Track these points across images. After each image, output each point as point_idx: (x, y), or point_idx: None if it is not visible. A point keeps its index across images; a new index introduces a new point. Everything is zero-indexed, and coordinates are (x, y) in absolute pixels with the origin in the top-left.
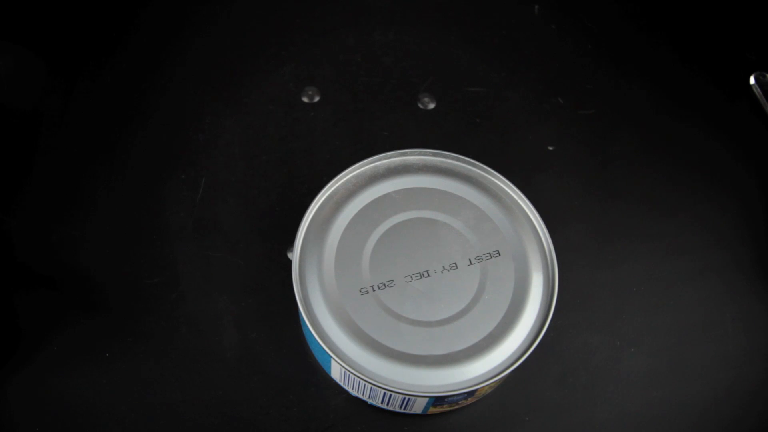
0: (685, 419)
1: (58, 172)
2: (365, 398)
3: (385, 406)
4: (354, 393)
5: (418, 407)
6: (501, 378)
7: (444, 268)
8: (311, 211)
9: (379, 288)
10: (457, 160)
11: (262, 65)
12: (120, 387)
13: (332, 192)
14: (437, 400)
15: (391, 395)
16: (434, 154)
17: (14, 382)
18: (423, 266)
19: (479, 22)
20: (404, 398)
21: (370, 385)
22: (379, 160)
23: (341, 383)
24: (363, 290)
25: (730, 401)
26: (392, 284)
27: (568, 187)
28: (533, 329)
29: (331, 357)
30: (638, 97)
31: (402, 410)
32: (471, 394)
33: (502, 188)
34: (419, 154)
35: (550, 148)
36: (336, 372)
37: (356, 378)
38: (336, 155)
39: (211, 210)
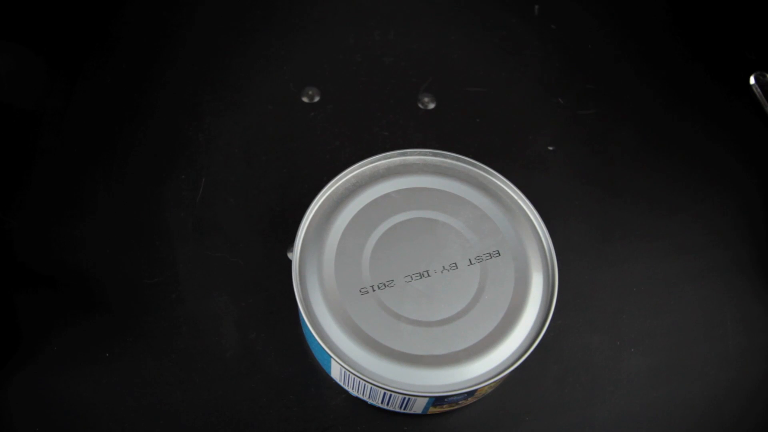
0: (685, 419)
1: (58, 172)
2: (365, 398)
3: (385, 406)
4: (354, 393)
5: (418, 407)
6: (501, 378)
7: (444, 268)
8: (311, 211)
9: (379, 288)
10: (457, 160)
11: (262, 65)
12: (120, 387)
13: (332, 192)
14: (437, 400)
15: (391, 395)
16: (434, 154)
17: (14, 382)
18: (423, 266)
19: (479, 22)
20: (404, 398)
21: (370, 385)
22: (379, 160)
23: (341, 383)
24: (363, 290)
25: (730, 401)
26: (392, 284)
27: (568, 187)
28: (533, 329)
29: (331, 357)
30: (638, 97)
31: (402, 410)
32: (471, 394)
33: (502, 188)
34: (419, 154)
35: (550, 148)
36: (336, 372)
37: (356, 378)
38: (336, 155)
39: (211, 210)
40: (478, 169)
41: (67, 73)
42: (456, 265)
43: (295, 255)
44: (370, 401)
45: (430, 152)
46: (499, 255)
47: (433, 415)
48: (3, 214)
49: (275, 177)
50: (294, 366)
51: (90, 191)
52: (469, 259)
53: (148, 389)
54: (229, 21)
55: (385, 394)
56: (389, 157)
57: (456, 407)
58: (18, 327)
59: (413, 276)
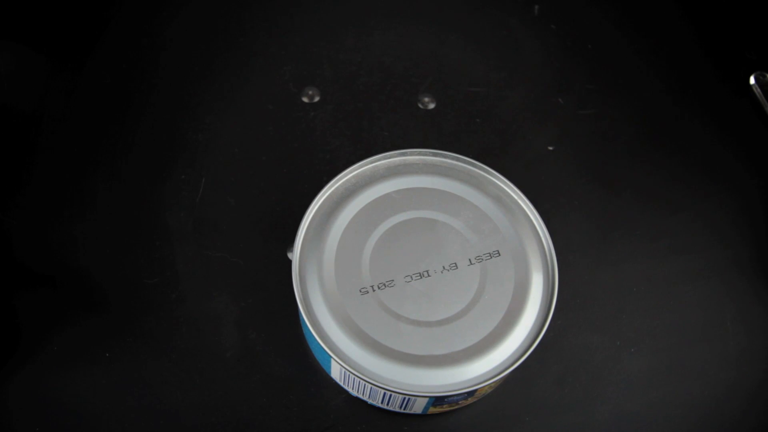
0: (685, 419)
1: (58, 172)
2: (365, 398)
3: (385, 406)
4: (354, 393)
5: (418, 407)
6: (501, 378)
7: (444, 268)
8: (311, 211)
9: (379, 288)
10: (457, 160)
11: (262, 65)
12: (120, 387)
13: (332, 192)
14: (437, 400)
15: (391, 395)
16: (434, 154)
17: (14, 382)
18: (423, 266)
19: (479, 22)
20: (404, 398)
21: (370, 385)
22: (379, 160)
23: (341, 383)
24: (363, 290)
25: (730, 401)
26: (392, 284)
27: (568, 187)
28: (533, 329)
29: (331, 357)
30: (638, 97)
31: (402, 410)
32: (471, 394)
33: (502, 188)
34: (419, 154)
35: (550, 148)
36: (336, 372)
37: (356, 378)
38: (336, 155)
39: (211, 210)
40: (478, 169)
41: (67, 73)
42: (456, 265)
43: (295, 255)
44: (370, 401)
45: (430, 152)
46: (499, 255)
47: (433, 415)
48: (3, 214)
49: (275, 177)
50: (294, 366)
51: (90, 191)
52: (469, 259)
53: (148, 389)
54: (228, 21)
55: (385, 394)
56: (389, 157)
57: (456, 407)
58: (18, 327)
59: (413, 276)
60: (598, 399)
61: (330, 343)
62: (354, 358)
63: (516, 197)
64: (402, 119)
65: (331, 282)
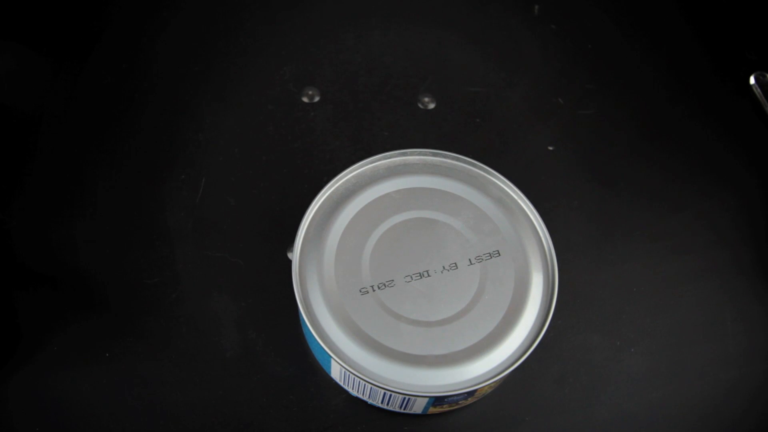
0: (685, 419)
1: (58, 172)
2: (365, 398)
3: (385, 406)
4: (354, 393)
5: (418, 407)
6: (501, 378)
7: (444, 268)
8: (311, 211)
9: (379, 288)
10: (457, 160)
11: (262, 65)
12: (120, 387)
13: (332, 192)
14: (437, 400)
15: (391, 395)
16: (434, 154)
17: (14, 382)
18: (423, 266)
19: (479, 22)
20: (404, 398)
21: (370, 385)
22: (379, 160)
23: (341, 383)
24: (363, 290)
25: (731, 402)
26: (392, 284)
27: (568, 187)
28: (533, 329)
29: (331, 357)
30: (638, 97)
31: (402, 410)
32: (471, 394)
33: (502, 188)
34: (419, 154)
35: (550, 148)
36: (336, 372)
37: (356, 378)
38: (336, 155)
39: (211, 210)
40: (478, 169)
41: (67, 73)
42: (456, 265)
43: (295, 255)
44: (370, 401)
45: (430, 152)
46: (499, 255)
47: (433, 415)
48: (3, 214)
49: (275, 177)
50: (294, 366)
51: (90, 191)
52: (469, 259)
53: (148, 389)
54: (228, 21)
55: (385, 394)
56: (389, 157)
57: (456, 407)
58: (18, 327)
59: (413, 276)
60: (598, 399)
61: (330, 343)
62: (354, 358)
63: (516, 197)
64: (402, 119)
65: (331, 282)
